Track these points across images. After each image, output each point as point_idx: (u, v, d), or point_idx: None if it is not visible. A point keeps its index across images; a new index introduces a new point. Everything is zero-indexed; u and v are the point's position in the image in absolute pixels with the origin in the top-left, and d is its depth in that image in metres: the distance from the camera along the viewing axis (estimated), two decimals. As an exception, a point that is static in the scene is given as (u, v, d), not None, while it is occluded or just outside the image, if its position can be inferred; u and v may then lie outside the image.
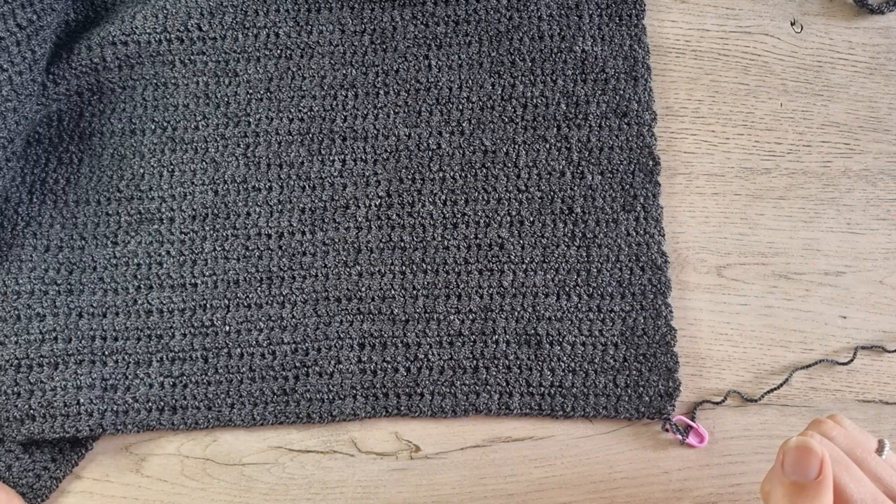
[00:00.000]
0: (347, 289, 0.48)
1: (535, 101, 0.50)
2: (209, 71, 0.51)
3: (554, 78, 0.50)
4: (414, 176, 0.49)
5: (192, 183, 0.49)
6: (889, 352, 0.48)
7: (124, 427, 0.46)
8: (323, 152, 0.50)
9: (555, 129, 0.50)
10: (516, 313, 0.47)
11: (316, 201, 0.49)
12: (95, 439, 0.46)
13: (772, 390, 0.47)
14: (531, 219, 0.48)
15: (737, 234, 0.50)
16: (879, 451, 0.35)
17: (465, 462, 0.46)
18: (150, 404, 0.46)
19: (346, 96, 0.50)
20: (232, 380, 0.47)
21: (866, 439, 0.36)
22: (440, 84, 0.50)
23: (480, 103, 0.50)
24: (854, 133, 0.51)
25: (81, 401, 0.45)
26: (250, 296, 0.48)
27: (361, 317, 0.47)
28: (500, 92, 0.50)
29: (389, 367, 0.47)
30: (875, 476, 0.34)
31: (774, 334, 0.48)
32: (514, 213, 0.49)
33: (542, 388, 0.46)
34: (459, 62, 0.51)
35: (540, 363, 0.47)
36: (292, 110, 0.50)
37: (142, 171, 0.50)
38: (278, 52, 0.51)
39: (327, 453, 0.47)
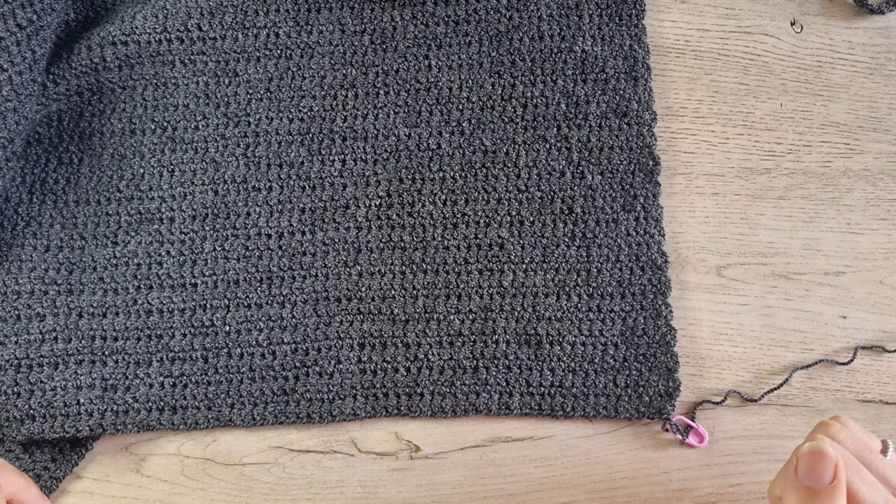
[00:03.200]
0: (347, 289, 0.48)
1: (535, 101, 0.50)
2: (209, 71, 0.51)
3: (554, 78, 0.50)
4: (414, 176, 0.49)
5: (192, 183, 0.49)
6: (889, 352, 0.48)
7: (124, 427, 0.46)
8: (323, 152, 0.50)
9: (555, 129, 0.50)
10: (516, 313, 0.47)
11: (316, 201, 0.49)
12: (95, 439, 0.46)
13: (772, 390, 0.47)
14: (531, 219, 0.48)
15: (737, 234, 0.50)
16: (884, 451, 0.36)
17: (465, 462, 0.46)
18: (150, 404, 0.46)
19: (346, 96, 0.50)
20: (232, 380, 0.47)
21: (871, 440, 0.36)
22: (440, 84, 0.50)
23: (480, 103, 0.50)
24: (854, 133, 0.51)
25: (81, 401, 0.45)
26: (250, 296, 0.48)
27: (361, 317, 0.47)
28: (500, 92, 0.50)
29: (389, 367, 0.47)
30: (883, 478, 0.34)
31: (774, 334, 0.48)
32: (514, 213, 0.49)
33: (542, 388, 0.46)
34: (459, 62, 0.51)
35: (540, 363, 0.47)
36: (292, 110, 0.50)
37: (142, 171, 0.50)
38: (278, 52, 0.51)
39: (327, 453, 0.47)
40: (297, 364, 0.47)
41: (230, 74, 0.51)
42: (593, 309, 0.47)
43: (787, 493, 0.33)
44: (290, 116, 0.50)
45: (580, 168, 0.49)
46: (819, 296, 0.49)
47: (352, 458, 0.47)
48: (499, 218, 0.48)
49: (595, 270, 0.48)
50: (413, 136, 0.50)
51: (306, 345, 0.47)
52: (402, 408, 0.47)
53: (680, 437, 0.46)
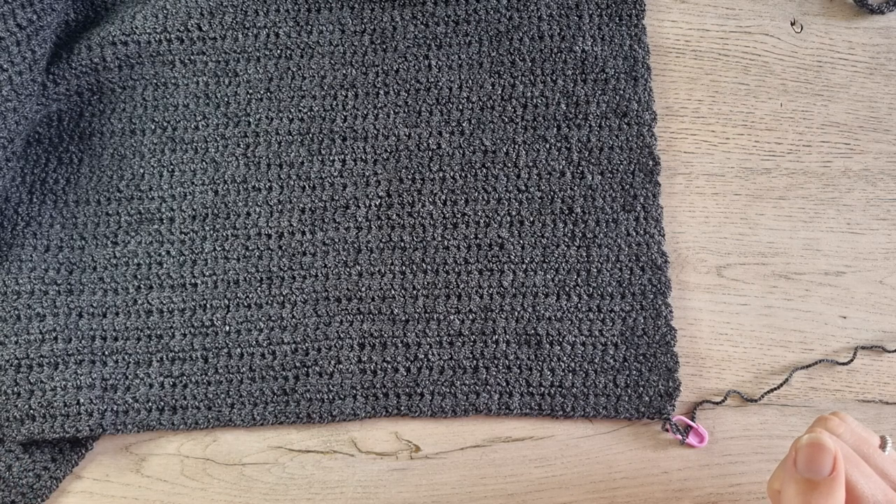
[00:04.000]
0: (347, 289, 0.48)
1: (535, 101, 0.50)
2: (209, 71, 0.51)
3: (554, 78, 0.50)
4: (414, 176, 0.49)
5: (192, 183, 0.49)
6: (889, 352, 0.48)
7: (124, 427, 0.46)
8: (323, 152, 0.50)
9: (555, 129, 0.50)
10: (516, 313, 0.47)
11: (316, 201, 0.49)
12: (95, 439, 0.46)
13: (772, 390, 0.47)
14: (531, 219, 0.48)
15: (737, 234, 0.50)
16: (882, 446, 0.36)
17: (465, 462, 0.46)
18: (150, 404, 0.46)
19: (346, 96, 0.50)
20: (232, 380, 0.47)
21: (869, 435, 0.36)
22: (440, 84, 0.50)
23: (480, 103, 0.50)
24: (854, 133, 0.51)
25: (81, 401, 0.45)
26: (250, 296, 0.48)
27: (361, 317, 0.47)
28: (500, 92, 0.50)
29: (389, 367, 0.47)
30: (882, 472, 0.34)
31: (774, 334, 0.48)
32: (514, 213, 0.49)
33: (542, 388, 0.46)
34: (459, 62, 0.51)
35: (540, 363, 0.47)
36: (292, 110, 0.50)
37: (142, 171, 0.50)
38: (278, 52, 0.51)
39: (327, 453, 0.47)
40: (297, 364, 0.47)
41: (230, 74, 0.51)
42: (593, 309, 0.47)
43: (786, 485, 0.33)
44: (290, 116, 0.50)
45: (580, 168, 0.49)
46: (819, 296, 0.49)
47: (352, 458, 0.47)
48: (499, 218, 0.48)
49: (595, 270, 0.48)
50: (413, 136, 0.50)
51: (306, 345, 0.47)
52: (402, 408, 0.47)
53: (680, 437, 0.46)
